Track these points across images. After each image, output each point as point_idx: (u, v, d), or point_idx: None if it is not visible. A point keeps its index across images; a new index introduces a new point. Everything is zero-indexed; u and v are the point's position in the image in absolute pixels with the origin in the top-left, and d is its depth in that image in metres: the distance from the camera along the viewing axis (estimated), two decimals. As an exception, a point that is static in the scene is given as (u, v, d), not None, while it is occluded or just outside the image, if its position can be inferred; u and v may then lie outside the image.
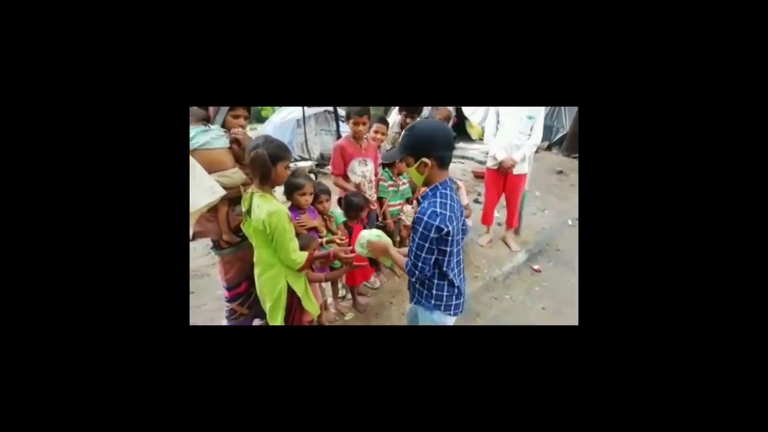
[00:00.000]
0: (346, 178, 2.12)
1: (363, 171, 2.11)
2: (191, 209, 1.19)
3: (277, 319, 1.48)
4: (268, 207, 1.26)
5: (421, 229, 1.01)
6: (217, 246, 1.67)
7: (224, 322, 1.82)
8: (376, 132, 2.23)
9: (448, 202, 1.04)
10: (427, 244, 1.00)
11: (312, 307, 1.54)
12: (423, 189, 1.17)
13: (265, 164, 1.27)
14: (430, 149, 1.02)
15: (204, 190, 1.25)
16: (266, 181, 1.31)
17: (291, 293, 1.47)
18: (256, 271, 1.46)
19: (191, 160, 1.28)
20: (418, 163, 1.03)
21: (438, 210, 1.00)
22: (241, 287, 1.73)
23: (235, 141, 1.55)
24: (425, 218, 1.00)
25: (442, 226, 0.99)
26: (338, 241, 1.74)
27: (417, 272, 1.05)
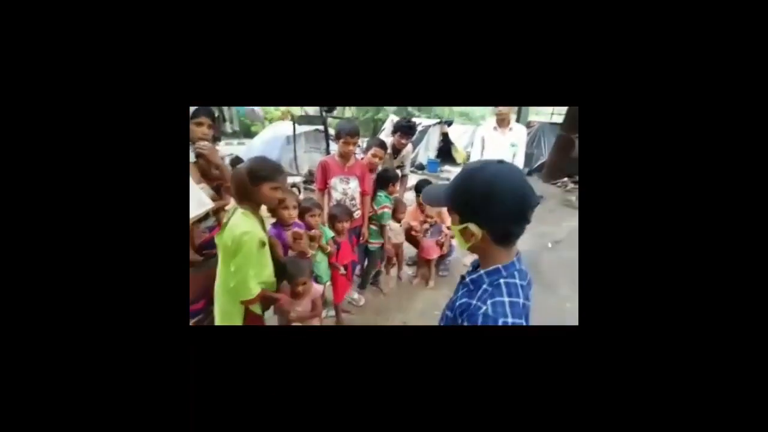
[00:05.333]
0: (328, 194, 2.18)
1: (344, 188, 2.15)
2: None
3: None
4: (243, 227, 1.22)
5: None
6: None
7: None
8: (374, 156, 2.28)
9: (520, 300, 0.64)
10: None
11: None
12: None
13: (241, 183, 1.23)
14: (486, 215, 0.64)
15: (193, 201, 1.24)
16: (243, 200, 1.27)
17: (250, 316, 1.40)
18: (215, 287, 1.40)
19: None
20: (462, 226, 0.68)
21: (508, 319, 0.61)
22: (200, 303, 1.64)
23: (200, 155, 1.46)
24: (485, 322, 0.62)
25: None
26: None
27: None
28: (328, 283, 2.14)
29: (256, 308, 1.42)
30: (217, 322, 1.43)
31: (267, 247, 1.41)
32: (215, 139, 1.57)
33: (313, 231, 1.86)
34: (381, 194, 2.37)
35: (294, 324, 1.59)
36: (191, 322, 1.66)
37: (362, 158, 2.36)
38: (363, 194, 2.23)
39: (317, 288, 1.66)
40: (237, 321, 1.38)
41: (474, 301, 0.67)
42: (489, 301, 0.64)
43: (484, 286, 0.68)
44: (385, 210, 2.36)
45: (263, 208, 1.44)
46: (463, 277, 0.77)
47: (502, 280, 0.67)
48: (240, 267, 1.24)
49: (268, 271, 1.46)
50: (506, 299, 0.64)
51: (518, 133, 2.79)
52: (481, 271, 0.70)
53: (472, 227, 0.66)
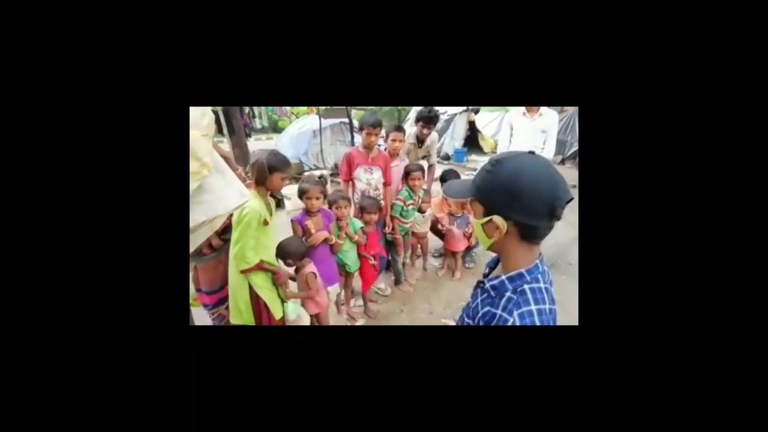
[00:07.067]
0: (353, 184, 2.25)
1: (368, 179, 2.22)
2: (222, 211, 1.25)
3: (241, 317, 1.61)
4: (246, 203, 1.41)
5: None
6: (199, 253, 1.61)
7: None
8: (393, 140, 2.30)
9: (546, 305, 0.63)
10: None
11: (276, 310, 1.64)
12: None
13: (262, 170, 1.51)
14: (512, 207, 0.61)
15: (234, 192, 1.31)
16: (260, 183, 1.54)
17: (254, 295, 1.58)
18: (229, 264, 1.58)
19: (224, 163, 1.35)
20: (486, 219, 0.65)
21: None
22: (224, 291, 1.70)
23: None
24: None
25: None
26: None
27: None
28: (356, 274, 2.20)
29: (262, 285, 1.57)
30: (230, 296, 1.59)
31: (269, 228, 1.58)
32: (246, 135, 1.68)
33: (341, 222, 1.95)
34: (404, 188, 2.41)
35: (290, 299, 1.72)
36: (219, 311, 1.77)
37: (384, 148, 2.38)
38: (385, 185, 2.28)
39: (310, 267, 1.76)
40: (244, 294, 1.57)
41: (498, 311, 0.64)
42: (516, 312, 0.61)
43: (508, 294, 0.64)
44: (396, 202, 2.37)
45: (294, 199, 1.58)
46: (481, 282, 0.73)
47: (526, 286, 0.63)
48: (239, 237, 1.45)
49: (271, 252, 1.63)
50: (533, 307, 0.61)
51: (549, 119, 2.67)
52: (503, 276, 0.66)
53: (497, 219, 0.62)
